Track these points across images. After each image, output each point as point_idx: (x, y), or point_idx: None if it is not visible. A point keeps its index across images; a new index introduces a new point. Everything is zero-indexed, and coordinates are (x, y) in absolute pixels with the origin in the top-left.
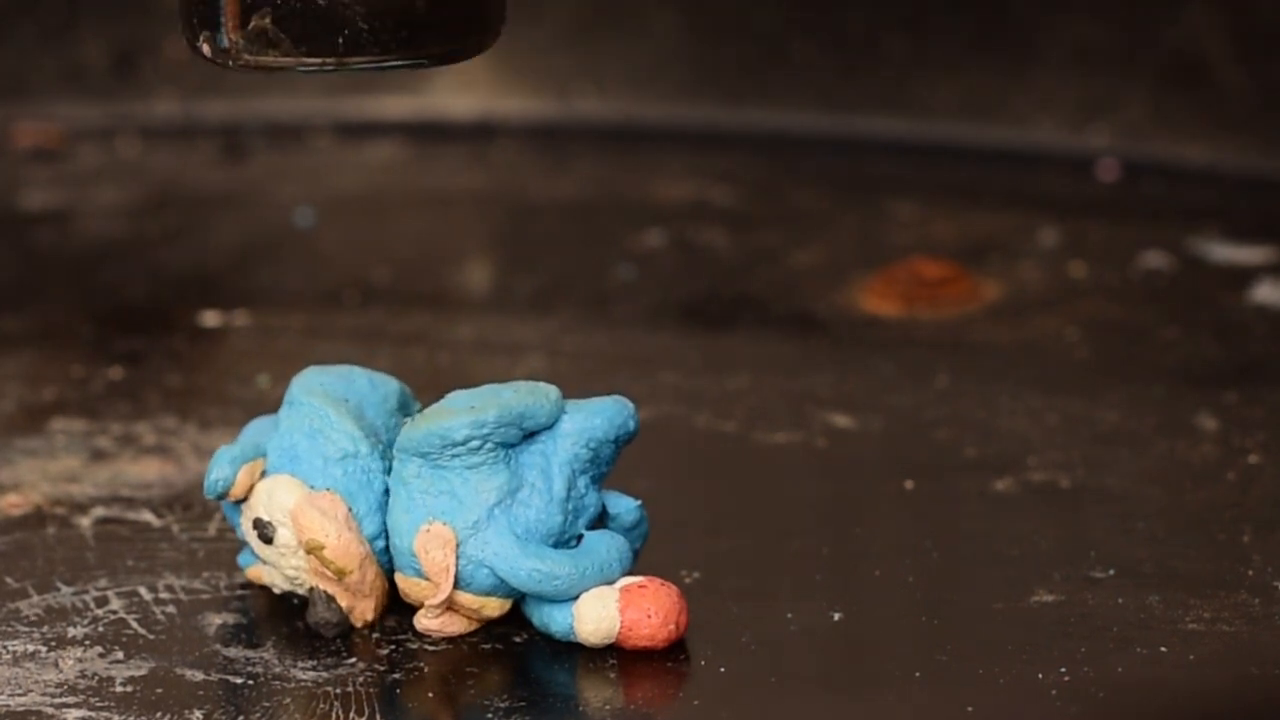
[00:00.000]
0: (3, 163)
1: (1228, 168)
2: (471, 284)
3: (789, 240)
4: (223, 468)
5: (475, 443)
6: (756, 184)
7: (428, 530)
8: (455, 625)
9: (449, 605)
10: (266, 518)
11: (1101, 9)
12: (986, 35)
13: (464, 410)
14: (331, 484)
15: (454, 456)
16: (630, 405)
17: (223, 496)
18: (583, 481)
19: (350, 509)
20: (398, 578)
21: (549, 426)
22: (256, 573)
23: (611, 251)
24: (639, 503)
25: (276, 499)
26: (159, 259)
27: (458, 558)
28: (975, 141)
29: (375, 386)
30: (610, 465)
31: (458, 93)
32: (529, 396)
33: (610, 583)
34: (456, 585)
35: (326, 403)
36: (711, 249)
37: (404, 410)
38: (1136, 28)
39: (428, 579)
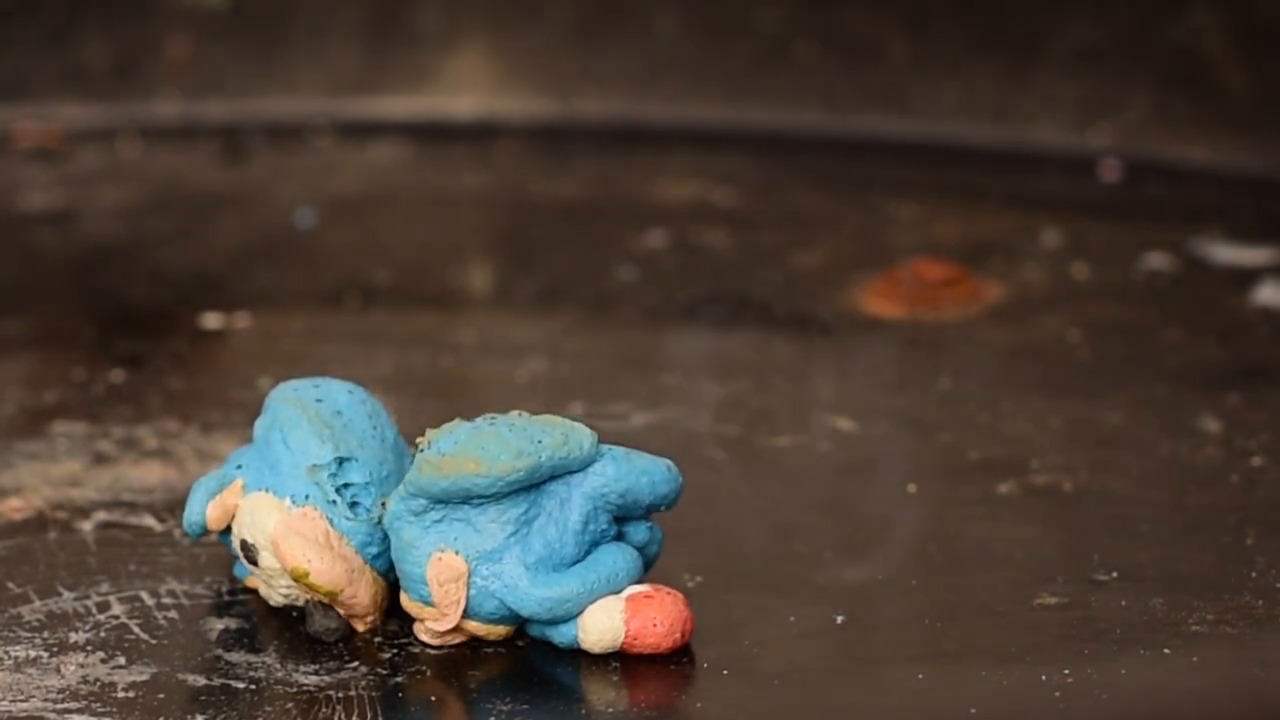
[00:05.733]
0: (3, 163)
1: (1230, 168)
2: (473, 285)
3: (791, 241)
4: (193, 509)
5: (500, 494)
6: (758, 185)
7: (440, 559)
8: (455, 638)
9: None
10: (250, 540)
11: (1103, 10)
12: (988, 36)
13: (494, 463)
14: (310, 492)
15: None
16: (680, 479)
17: (203, 535)
18: (604, 518)
19: (331, 520)
20: (403, 599)
21: (579, 470)
22: (255, 581)
23: (613, 252)
24: (650, 523)
25: (259, 522)
26: (160, 260)
27: (468, 587)
28: (977, 142)
29: (352, 393)
30: (633, 516)
31: (459, 93)
32: (564, 448)
33: (617, 592)
34: (464, 614)
35: (299, 408)
36: (713, 250)
37: (382, 416)
38: (1138, 29)
39: (435, 605)
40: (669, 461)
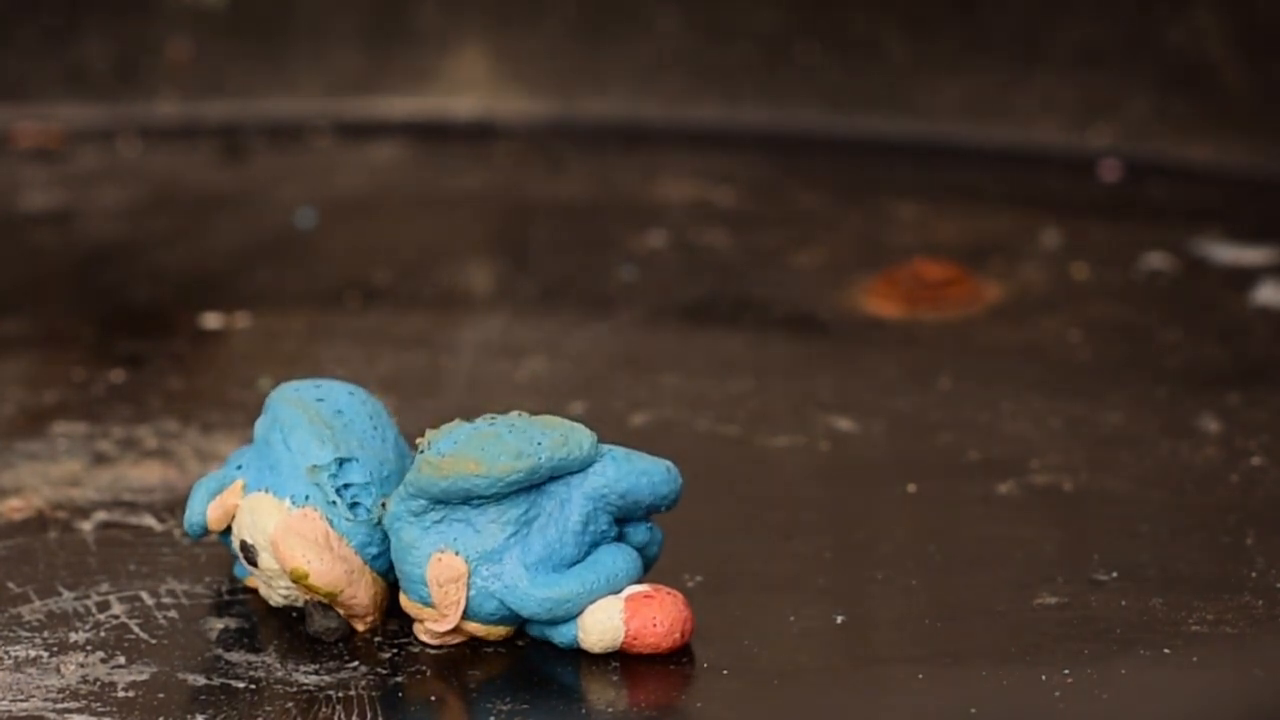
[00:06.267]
0: (3, 163)
1: (1230, 168)
2: (473, 285)
3: (791, 241)
4: (193, 509)
5: (500, 495)
6: (758, 185)
7: (439, 559)
8: (455, 638)
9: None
10: (250, 541)
11: (1104, 10)
12: (988, 36)
13: (494, 464)
14: (310, 492)
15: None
16: (680, 480)
17: (203, 535)
18: (604, 519)
19: (331, 521)
20: (402, 600)
21: (579, 471)
22: (255, 581)
23: (613, 252)
24: (650, 524)
25: (259, 522)
26: (159, 260)
27: (468, 587)
28: (977, 142)
29: (353, 394)
30: (633, 517)
31: (459, 93)
32: (563, 449)
33: (617, 592)
34: (464, 615)
35: (300, 408)
36: (713, 250)
37: (383, 417)
38: (1139, 28)
39: (434, 606)
40: (669, 462)
